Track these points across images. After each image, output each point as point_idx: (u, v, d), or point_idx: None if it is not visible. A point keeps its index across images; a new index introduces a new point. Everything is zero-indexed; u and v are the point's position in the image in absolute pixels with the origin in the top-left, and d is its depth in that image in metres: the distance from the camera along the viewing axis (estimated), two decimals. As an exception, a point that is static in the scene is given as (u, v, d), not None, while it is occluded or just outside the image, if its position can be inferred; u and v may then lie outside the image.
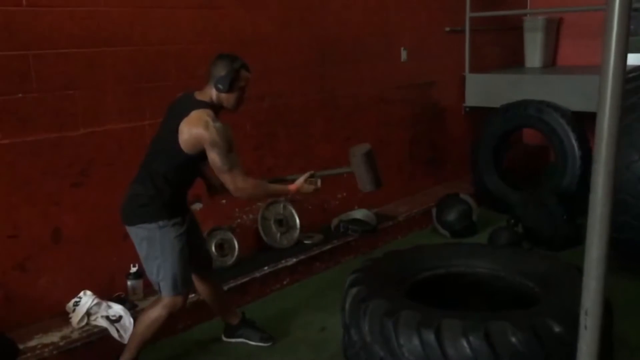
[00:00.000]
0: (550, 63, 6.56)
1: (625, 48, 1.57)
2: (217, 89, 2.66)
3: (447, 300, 2.69)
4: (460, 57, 5.81)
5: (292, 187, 2.86)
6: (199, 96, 2.70)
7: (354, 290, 2.57)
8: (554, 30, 6.49)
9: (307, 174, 2.90)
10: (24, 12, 2.91)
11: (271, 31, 4.10)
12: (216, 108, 2.69)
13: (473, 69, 5.90)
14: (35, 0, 2.95)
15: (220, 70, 2.65)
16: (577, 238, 4.37)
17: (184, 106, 2.65)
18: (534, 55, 6.37)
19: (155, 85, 3.38)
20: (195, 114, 2.60)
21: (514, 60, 6.54)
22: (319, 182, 2.92)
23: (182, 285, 2.77)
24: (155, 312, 2.78)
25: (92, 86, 3.20)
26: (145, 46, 3.40)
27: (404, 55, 5.19)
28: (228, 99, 2.70)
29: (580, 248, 4.25)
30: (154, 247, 2.70)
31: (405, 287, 2.70)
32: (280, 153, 4.21)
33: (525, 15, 6.50)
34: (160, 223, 2.68)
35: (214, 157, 2.59)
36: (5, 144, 2.90)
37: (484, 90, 5.82)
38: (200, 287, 3.10)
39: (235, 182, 2.65)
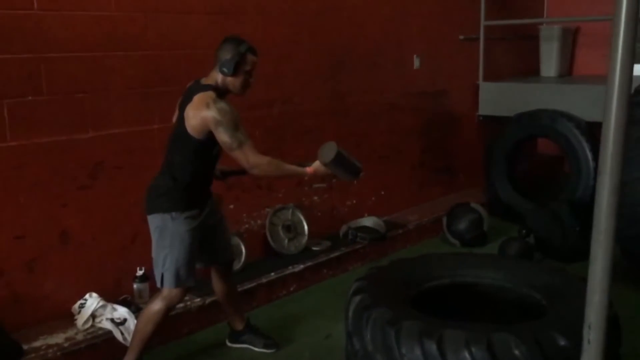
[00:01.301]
0: (566, 72, 6.50)
1: (632, 58, 1.56)
2: (222, 73, 2.66)
3: (452, 310, 2.67)
4: (474, 66, 5.78)
5: (310, 169, 2.76)
6: (205, 81, 2.71)
7: (357, 298, 2.55)
8: (570, 39, 6.44)
9: None
10: (35, 15, 2.95)
11: (283, 37, 4.10)
12: (221, 92, 2.68)
13: (487, 78, 5.86)
14: (46, 4, 2.99)
15: (226, 54, 2.65)
16: (590, 250, 4.31)
17: (190, 93, 2.67)
18: (549, 65, 6.32)
19: (166, 90, 3.39)
20: (197, 98, 2.61)
21: (529, 70, 6.49)
22: None
23: (184, 279, 2.77)
24: (154, 307, 2.78)
25: (102, 90, 3.22)
26: (156, 51, 3.42)
27: (417, 62, 5.17)
28: (234, 82, 2.69)
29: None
30: (164, 237, 2.73)
31: (410, 296, 2.67)
32: (288, 158, 4.18)
33: (541, 24, 6.46)
34: (173, 214, 2.69)
35: (221, 136, 2.57)
36: (14, 146, 2.93)
37: (498, 99, 5.78)
38: (217, 284, 3.10)
39: (247, 158, 2.61)
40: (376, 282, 2.68)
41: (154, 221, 2.74)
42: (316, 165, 2.76)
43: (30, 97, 2.96)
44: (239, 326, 3.22)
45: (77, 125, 3.14)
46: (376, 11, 4.74)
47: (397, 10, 4.93)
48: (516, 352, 2.08)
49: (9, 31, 2.88)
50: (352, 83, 4.62)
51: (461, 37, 5.63)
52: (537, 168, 6.39)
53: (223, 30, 3.69)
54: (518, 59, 6.47)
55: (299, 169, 2.78)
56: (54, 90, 3.04)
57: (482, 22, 5.70)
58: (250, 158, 2.61)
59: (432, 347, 2.14)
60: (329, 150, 2.71)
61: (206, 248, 2.92)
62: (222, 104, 2.58)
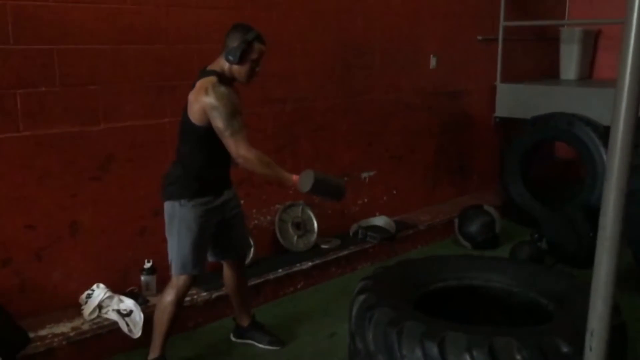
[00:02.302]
0: (587, 76, 6.40)
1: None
2: (228, 60, 2.65)
3: (457, 313, 2.64)
4: (492, 67, 5.72)
5: (295, 177, 2.69)
6: (210, 67, 2.70)
7: (361, 298, 2.54)
8: (591, 42, 6.34)
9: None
10: (50, 7, 2.97)
11: (297, 34, 4.09)
12: (227, 79, 2.68)
13: (505, 79, 5.80)
14: (62, -4, 3.01)
15: (233, 41, 2.63)
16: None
17: (196, 80, 2.68)
18: (569, 67, 6.23)
19: (178, 84, 3.40)
20: (198, 84, 2.61)
21: (548, 72, 6.41)
22: None
23: (191, 268, 2.77)
24: (166, 297, 2.81)
25: (115, 82, 3.24)
26: (169, 45, 3.43)
27: (433, 62, 5.12)
28: (239, 71, 2.68)
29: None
30: (172, 224, 2.76)
31: (415, 297, 2.65)
32: (301, 156, 4.20)
33: (562, 25, 6.37)
34: (182, 201, 2.71)
35: (215, 121, 2.56)
36: (27, 136, 2.96)
37: (516, 100, 5.71)
38: (228, 278, 3.10)
39: (237, 149, 2.57)
40: (381, 282, 2.67)
41: (166, 208, 2.78)
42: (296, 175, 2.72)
43: (43, 88, 2.99)
44: (245, 322, 3.22)
45: (89, 117, 3.16)
46: (392, 9, 4.70)
47: (414, 8, 4.89)
48: (518, 357, 2.05)
49: (24, 21, 2.91)
50: (366, 81, 4.60)
51: (479, 37, 5.57)
52: (554, 171, 6.31)
53: (237, 26, 3.71)
54: (537, 61, 6.39)
55: (285, 175, 2.69)
56: (67, 81, 3.06)
57: (502, 23, 5.64)
58: (240, 149, 2.57)
59: (434, 349, 2.12)
60: (307, 179, 2.65)
61: (221, 241, 2.93)
62: (222, 89, 2.57)
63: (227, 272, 3.10)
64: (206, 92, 2.56)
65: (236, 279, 3.11)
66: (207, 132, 2.62)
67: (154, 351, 2.86)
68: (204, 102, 2.56)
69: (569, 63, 6.21)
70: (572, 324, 2.22)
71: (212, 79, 2.61)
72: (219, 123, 2.55)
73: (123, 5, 3.22)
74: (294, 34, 4.07)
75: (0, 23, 2.83)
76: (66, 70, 3.05)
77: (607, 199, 1.64)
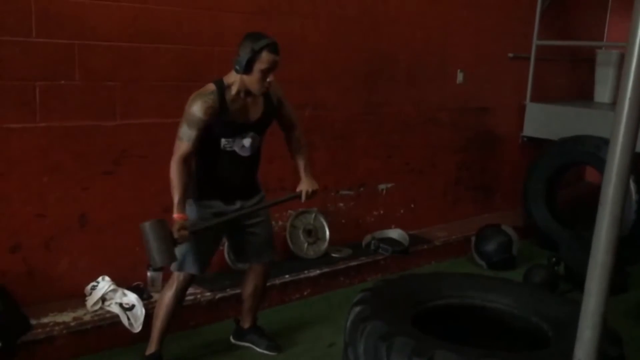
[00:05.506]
0: (622, 100, 6.23)
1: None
2: (235, 70, 2.65)
3: (456, 331, 2.59)
4: (522, 85, 5.62)
5: (176, 216, 2.61)
6: (225, 77, 2.72)
7: (357, 309, 2.51)
8: (628, 65, 6.17)
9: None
10: (74, 3, 3.04)
11: (321, 41, 4.09)
12: (230, 87, 2.68)
13: (535, 98, 5.69)
14: (86, -8, 3.07)
15: (242, 50, 2.63)
16: (623, 286, 4.11)
17: None
18: (604, 91, 6.07)
19: (196, 85, 3.35)
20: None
21: (582, 94, 6.27)
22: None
23: (188, 265, 2.80)
24: (165, 292, 2.86)
25: (133, 80, 3.29)
26: (190, 46, 3.47)
27: (460, 77, 5.06)
28: (249, 81, 2.66)
29: (623, 296, 4.01)
30: None
31: (413, 312, 2.61)
32: (316, 163, 4.17)
33: (599, 47, 6.22)
34: (190, 200, 2.75)
35: (181, 122, 2.64)
36: (42, 127, 3.03)
37: (545, 121, 5.60)
38: (247, 280, 3.10)
39: (175, 153, 2.63)
40: (381, 294, 2.64)
41: None
42: (181, 217, 2.64)
43: (62, 81, 3.06)
44: (246, 324, 3.22)
45: (106, 112, 3.22)
46: (420, 21, 4.67)
47: (443, 22, 4.85)
48: (505, 382, 2.00)
49: (47, 16, 2.98)
50: (389, 93, 4.57)
51: (510, 54, 5.49)
52: (582, 195, 6.14)
53: (260, 30, 3.72)
54: (570, 82, 6.26)
55: (176, 206, 2.62)
56: (86, 76, 3.12)
57: (535, 41, 5.55)
58: (175, 155, 2.63)
59: (421, 366, 2.08)
60: (149, 222, 2.59)
61: (240, 247, 2.97)
62: (204, 100, 2.61)
63: (248, 276, 3.11)
64: (190, 99, 2.64)
65: (254, 285, 3.10)
66: (203, 137, 2.66)
67: (151, 346, 2.89)
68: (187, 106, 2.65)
69: (604, 86, 6.06)
70: (567, 351, 2.15)
71: (209, 87, 2.66)
72: (180, 126, 2.64)
73: (145, 4, 3.28)
74: (317, 41, 4.07)
75: (23, 16, 2.91)
76: (86, 65, 3.11)
77: (600, 225, 1.60)
